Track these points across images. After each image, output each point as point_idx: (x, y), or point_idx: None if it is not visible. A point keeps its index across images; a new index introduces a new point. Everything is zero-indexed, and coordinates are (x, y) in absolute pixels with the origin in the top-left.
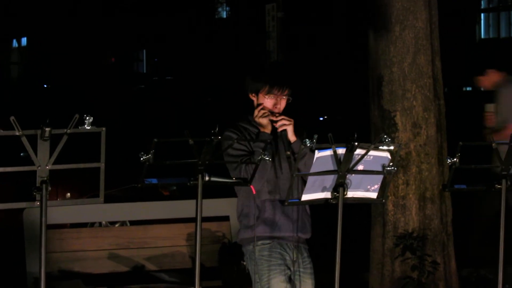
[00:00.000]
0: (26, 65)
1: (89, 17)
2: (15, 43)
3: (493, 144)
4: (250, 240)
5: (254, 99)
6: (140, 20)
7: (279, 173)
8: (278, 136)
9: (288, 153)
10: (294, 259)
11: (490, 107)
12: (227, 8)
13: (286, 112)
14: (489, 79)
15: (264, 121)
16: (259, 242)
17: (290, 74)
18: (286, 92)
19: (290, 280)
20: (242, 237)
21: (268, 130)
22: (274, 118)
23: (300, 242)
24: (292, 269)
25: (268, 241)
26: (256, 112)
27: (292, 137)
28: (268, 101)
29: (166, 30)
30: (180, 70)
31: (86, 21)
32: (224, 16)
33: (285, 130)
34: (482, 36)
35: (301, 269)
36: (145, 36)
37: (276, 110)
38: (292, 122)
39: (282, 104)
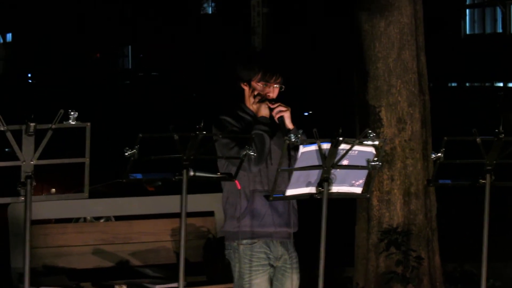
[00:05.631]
0: (11, 60)
1: (75, 13)
2: (0, 39)
3: (478, 139)
4: (235, 236)
5: (246, 88)
6: (126, 15)
7: (269, 163)
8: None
9: (287, 139)
10: (280, 255)
11: None
12: (213, 4)
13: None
14: None
15: (261, 107)
16: (244, 241)
17: (282, 61)
18: (279, 80)
19: (273, 278)
20: (227, 230)
21: (266, 115)
22: (271, 105)
23: (286, 237)
24: (275, 265)
25: (252, 240)
26: (251, 99)
27: (289, 124)
28: (260, 89)
29: (151, 25)
30: (166, 65)
31: (72, 16)
32: (210, 12)
33: (282, 117)
34: (467, 32)
35: (288, 265)
36: (130, 32)
37: (269, 98)
38: (289, 109)
39: (275, 92)
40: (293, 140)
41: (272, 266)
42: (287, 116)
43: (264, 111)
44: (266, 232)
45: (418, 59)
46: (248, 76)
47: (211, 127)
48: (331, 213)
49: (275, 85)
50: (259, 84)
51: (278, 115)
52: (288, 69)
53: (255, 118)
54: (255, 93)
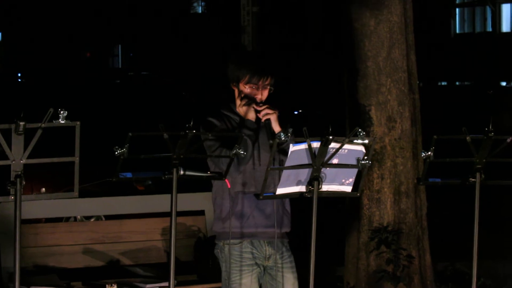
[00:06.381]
0: (1, 60)
1: (65, 12)
2: None
3: (467, 138)
4: (221, 236)
5: (235, 89)
6: (116, 15)
7: (256, 164)
8: (260, 126)
9: (272, 141)
10: (268, 255)
11: None
12: (203, 3)
13: (269, 103)
14: None
15: (247, 110)
16: (229, 241)
17: (272, 63)
18: (267, 82)
19: (264, 278)
20: (214, 230)
21: (251, 118)
22: (258, 108)
23: (273, 237)
24: (265, 265)
25: (238, 240)
26: (238, 101)
27: (276, 127)
28: (248, 91)
29: (141, 25)
30: (156, 65)
31: (62, 15)
32: (200, 11)
33: (268, 120)
34: (457, 31)
35: (279, 264)
36: (120, 31)
37: (257, 101)
38: (276, 112)
39: (264, 94)
40: (283, 139)
41: (259, 266)
42: (273, 119)
43: (250, 115)
44: (251, 233)
45: (408, 58)
46: (236, 78)
47: (200, 127)
48: (322, 212)
49: (263, 87)
50: (246, 86)
51: (264, 118)
52: (278, 69)
53: (241, 120)
54: (242, 95)
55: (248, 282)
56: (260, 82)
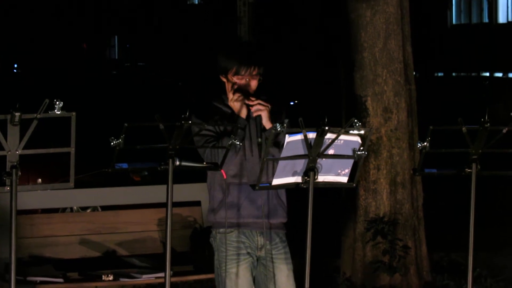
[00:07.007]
0: None
1: (61, 2)
2: None
3: (463, 128)
4: (213, 225)
5: (225, 80)
6: (112, 5)
7: (249, 155)
8: (251, 118)
9: (260, 139)
10: (260, 246)
11: None
12: None
13: (262, 97)
14: None
15: (238, 105)
16: (221, 230)
17: (259, 53)
18: (255, 72)
19: (257, 268)
20: (209, 220)
21: (243, 114)
22: (250, 102)
23: (268, 227)
24: (257, 255)
25: (229, 230)
26: (230, 95)
27: (267, 123)
28: (237, 82)
29: (138, 15)
30: (153, 56)
31: (58, 6)
32: (196, 2)
33: (259, 116)
34: (454, 22)
35: (273, 255)
36: (117, 22)
37: (249, 92)
38: (268, 107)
39: (253, 84)
40: (279, 129)
41: (251, 255)
42: (264, 115)
43: (242, 111)
44: (242, 223)
45: (404, 49)
46: (224, 70)
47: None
48: (318, 202)
49: (252, 78)
50: (234, 77)
51: (255, 114)
52: (268, 58)
53: (233, 114)
54: (236, 87)
55: (238, 271)
56: (248, 73)
